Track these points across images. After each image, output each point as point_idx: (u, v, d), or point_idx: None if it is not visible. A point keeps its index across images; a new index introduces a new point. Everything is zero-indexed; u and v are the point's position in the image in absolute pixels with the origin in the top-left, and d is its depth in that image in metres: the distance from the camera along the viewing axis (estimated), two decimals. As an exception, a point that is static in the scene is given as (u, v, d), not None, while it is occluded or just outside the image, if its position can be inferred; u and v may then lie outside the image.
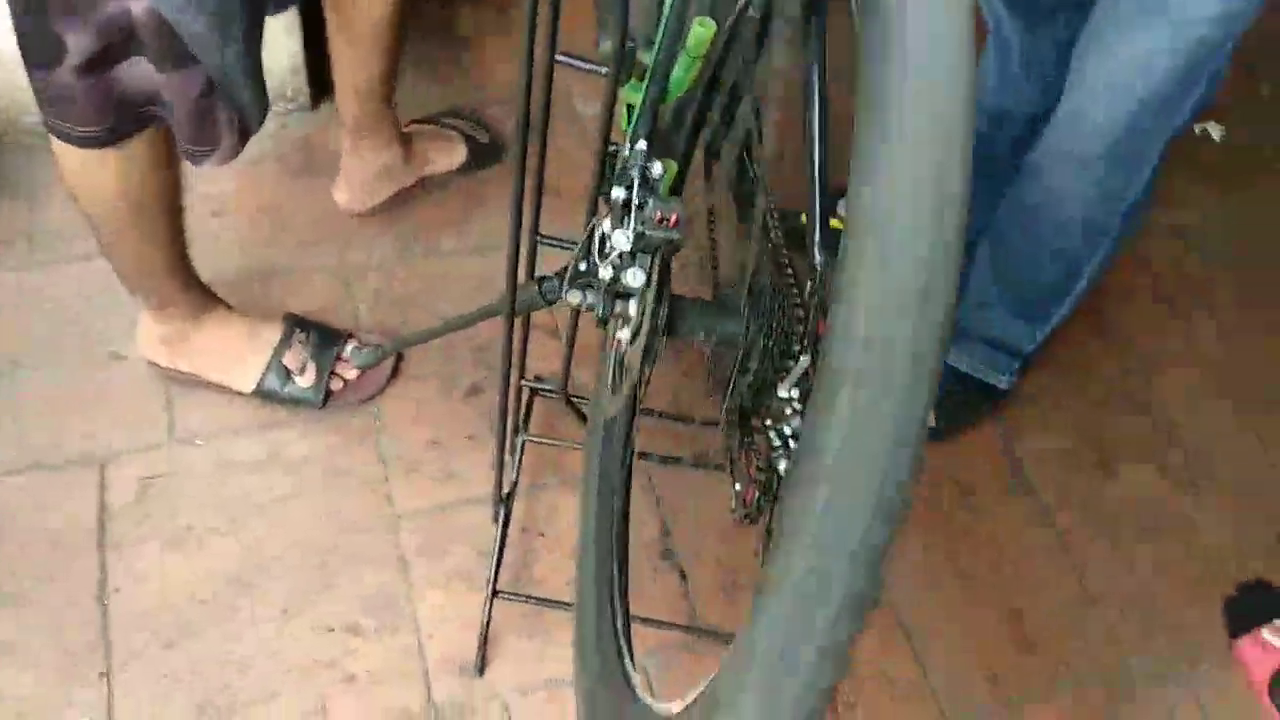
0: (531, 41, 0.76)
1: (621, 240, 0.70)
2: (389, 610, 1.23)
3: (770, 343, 0.76)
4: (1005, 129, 1.42)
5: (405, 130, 1.55)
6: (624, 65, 0.81)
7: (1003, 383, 1.50)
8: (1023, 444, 1.52)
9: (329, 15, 1.35)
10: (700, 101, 0.88)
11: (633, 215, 0.70)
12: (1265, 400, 1.62)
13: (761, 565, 1.23)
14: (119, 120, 1.03)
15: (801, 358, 0.73)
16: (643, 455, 1.21)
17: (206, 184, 1.52)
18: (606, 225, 0.73)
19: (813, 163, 0.74)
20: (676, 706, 0.69)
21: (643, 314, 0.72)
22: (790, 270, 0.75)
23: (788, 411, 0.77)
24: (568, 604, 1.20)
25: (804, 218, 0.75)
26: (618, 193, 0.74)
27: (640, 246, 0.71)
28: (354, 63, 1.37)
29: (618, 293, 0.75)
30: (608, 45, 1.00)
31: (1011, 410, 1.54)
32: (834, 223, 0.79)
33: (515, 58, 1.78)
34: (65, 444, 1.30)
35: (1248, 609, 1.37)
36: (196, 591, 1.21)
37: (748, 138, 0.85)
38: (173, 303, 1.29)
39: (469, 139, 1.63)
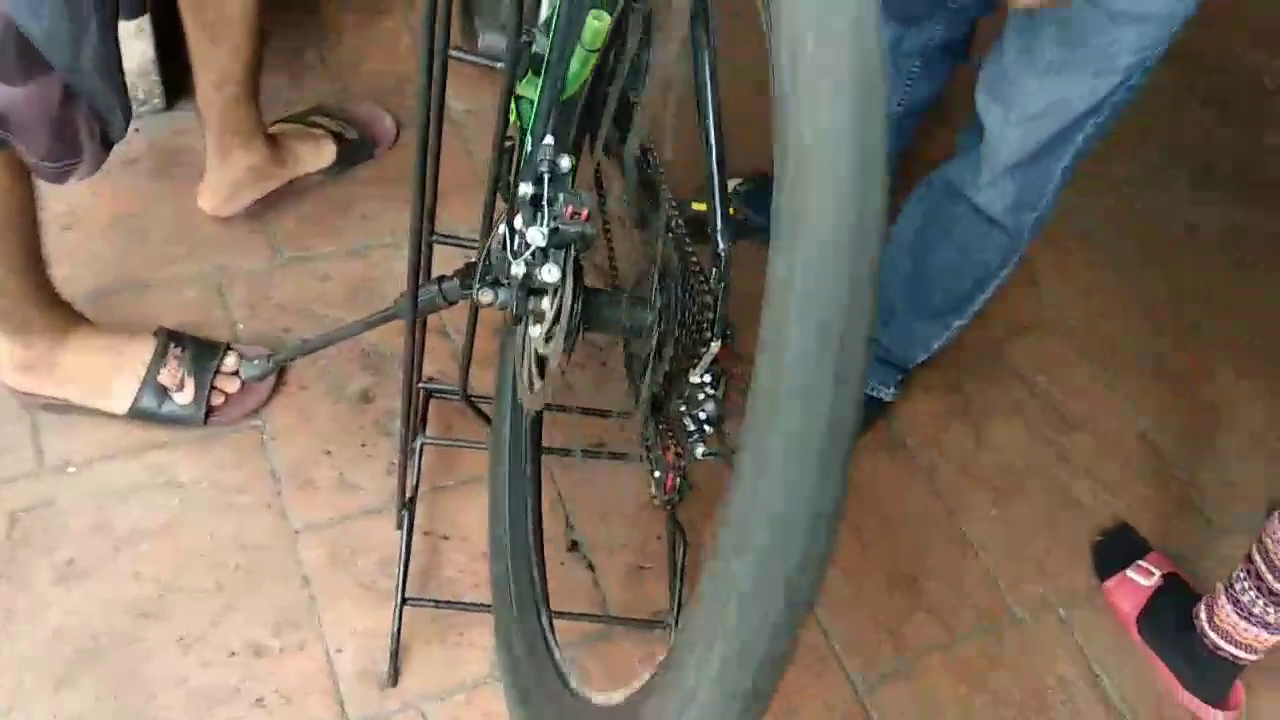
0: (431, 39, 0.74)
1: (536, 236, 0.70)
2: (294, 628, 1.19)
3: (681, 331, 0.78)
4: None
5: (271, 131, 1.49)
6: (520, 60, 0.80)
7: (888, 395, 1.54)
8: (899, 409, 1.58)
9: (185, 13, 1.29)
10: (590, 96, 0.88)
11: (545, 211, 0.70)
12: (1119, 356, 1.74)
13: (673, 550, 1.25)
14: None
15: (712, 343, 0.75)
16: (553, 451, 1.21)
17: (55, 197, 1.42)
18: (518, 221, 0.72)
19: (709, 149, 0.75)
20: (619, 696, 0.70)
21: (559, 309, 0.72)
22: (695, 259, 0.76)
23: (700, 397, 0.79)
24: (478, 605, 1.20)
25: (701, 206, 0.77)
26: (525, 188, 0.74)
27: (555, 242, 0.71)
28: (214, 59, 1.31)
29: (530, 289, 0.75)
30: (490, 39, 0.99)
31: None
32: (730, 211, 0.81)
33: (380, 52, 1.76)
34: (-81, 482, 1.21)
35: (1113, 552, 1.47)
36: (88, 626, 1.14)
37: (643, 131, 0.86)
38: (33, 326, 1.21)
39: (337, 137, 1.58)
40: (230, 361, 1.33)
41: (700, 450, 0.79)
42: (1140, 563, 1.44)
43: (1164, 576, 1.43)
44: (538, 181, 0.73)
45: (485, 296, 0.77)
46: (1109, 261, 1.88)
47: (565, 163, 0.73)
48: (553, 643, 0.89)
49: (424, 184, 0.83)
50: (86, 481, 1.25)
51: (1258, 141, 2.22)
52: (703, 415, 0.80)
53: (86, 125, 0.97)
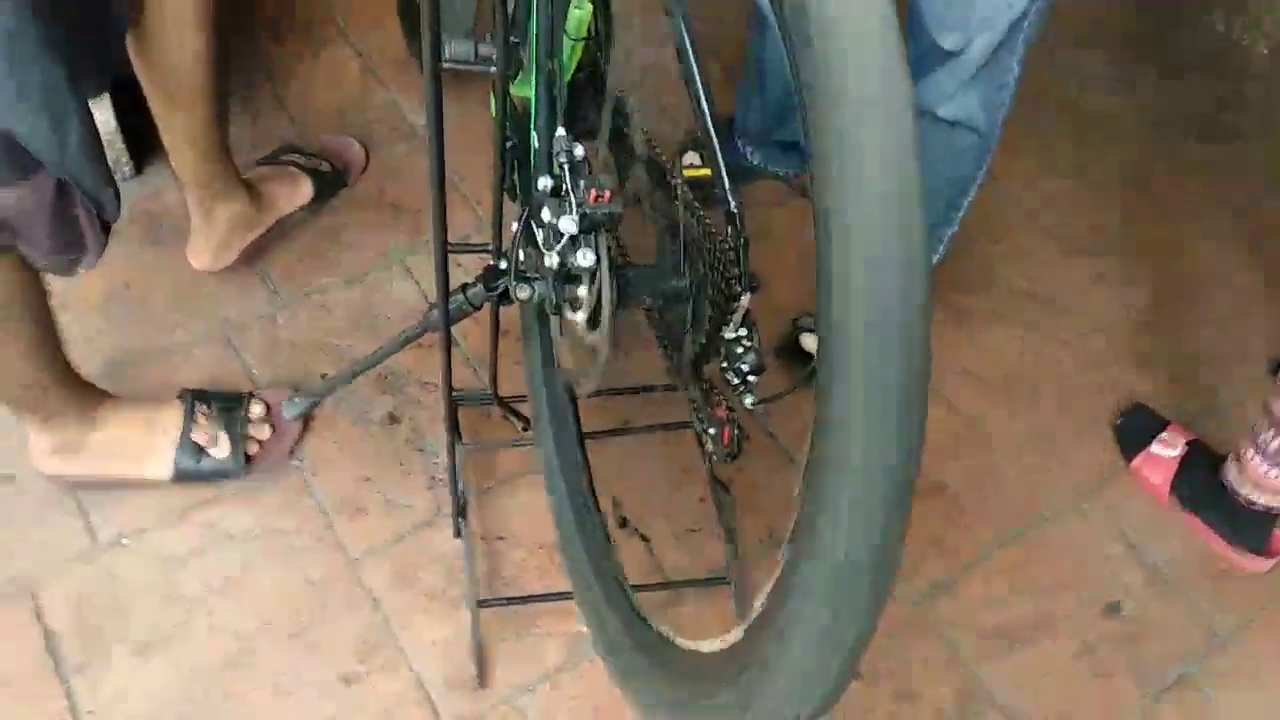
0: (430, 54, 0.76)
1: (569, 225, 0.73)
2: (376, 651, 1.22)
3: (712, 290, 0.81)
4: None
5: (246, 178, 1.50)
6: (510, 60, 0.83)
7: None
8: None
9: (142, 77, 1.29)
10: (584, 80, 0.90)
11: (572, 198, 0.73)
12: (1095, 242, 1.79)
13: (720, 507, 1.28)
14: None
15: (742, 297, 0.78)
16: (603, 434, 1.24)
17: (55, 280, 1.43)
18: (544, 214, 0.75)
19: (701, 114, 0.78)
20: (719, 643, 0.74)
21: (605, 294, 0.75)
22: (709, 220, 0.79)
23: (739, 350, 0.82)
24: (551, 595, 1.23)
25: (694, 172, 0.80)
26: (544, 182, 0.77)
27: (585, 227, 0.74)
28: (179, 121, 1.32)
29: (566, 277, 0.78)
30: (460, 47, 1.02)
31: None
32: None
33: (331, 81, 1.77)
34: (-19, 581, 1.22)
35: (1134, 431, 1.52)
36: (180, 694, 1.16)
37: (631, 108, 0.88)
38: (62, 411, 1.23)
39: (311, 172, 1.59)
40: (256, 409, 1.35)
41: (749, 400, 0.83)
42: (1161, 436, 1.49)
43: (1187, 445, 1.47)
44: (556, 174, 0.75)
45: (523, 292, 0.80)
46: (1065, 152, 1.92)
47: (579, 151, 0.76)
48: (638, 611, 0.93)
49: (442, 201, 0.86)
50: (144, 551, 1.27)
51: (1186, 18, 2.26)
52: (745, 367, 0.83)
53: (84, 212, 0.98)
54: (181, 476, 1.30)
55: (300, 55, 1.81)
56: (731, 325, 0.80)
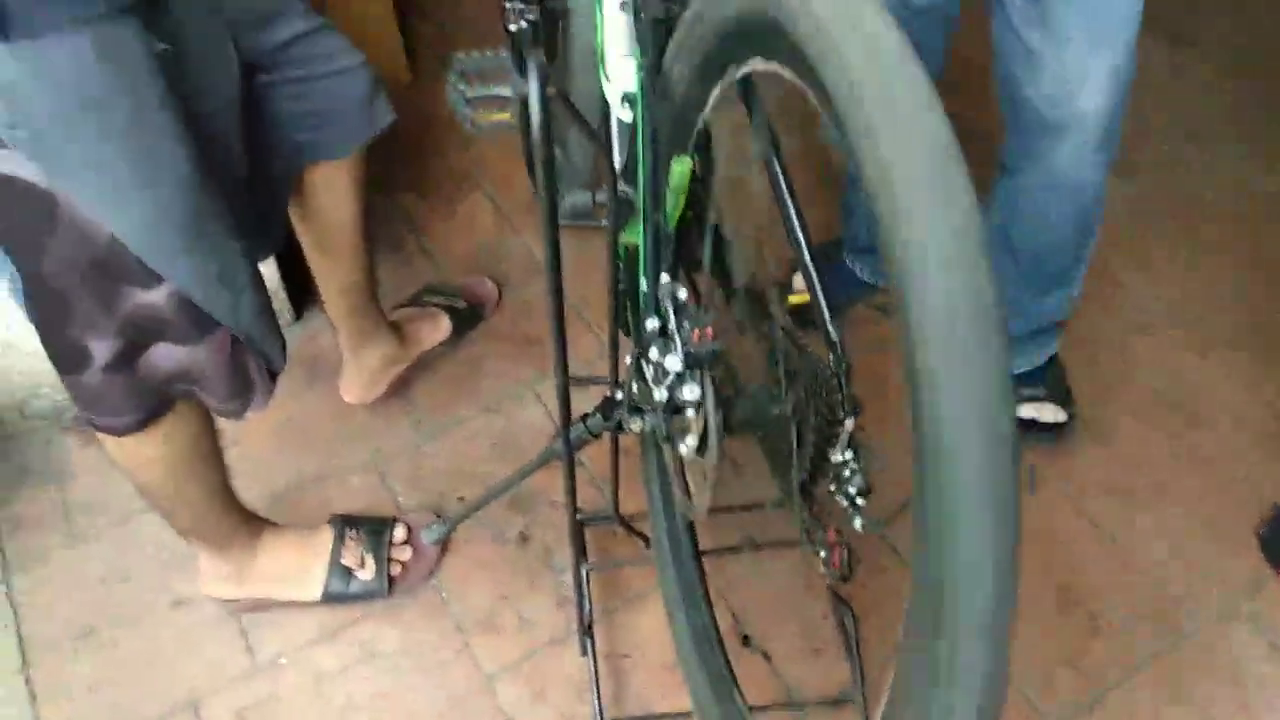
0: (552, 210, 0.85)
1: (674, 363, 0.80)
2: (511, 767, 1.27)
3: (816, 417, 0.86)
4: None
5: (392, 319, 1.64)
6: (622, 213, 0.92)
7: (1056, 345, 1.61)
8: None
9: (301, 236, 1.45)
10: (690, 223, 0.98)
11: (678, 339, 0.80)
12: (1224, 336, 1.74)
13: (843, 626, 1.29)
14: (151, 404, 1.09)
15: (846, 421, 0.83)
16: (717, 551, 1.28)
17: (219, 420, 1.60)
18: (653, 353, 0.82)
19: (798, 247, 0.84)
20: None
21: (706, 422, 0.81)
22: (809, 347, 0.85)
23: (846, 474, 0.86)
24: (674, 715, 1.26)
25: (797, 298, 0.85)
26: (651, 323, 0.84)
27: (690, 364, 0.80)
28: (334, 270, 1.47)
29: (675, 409, 0.84)
30: (578, 199, 1.12)
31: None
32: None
33: (466, 229, 1.92)
34: (154, 698, 1.34)
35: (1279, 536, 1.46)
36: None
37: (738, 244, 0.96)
38: (229, 541, 1.35)
39: (449, 310, 1.73)
40: (399, 533, 1.45)
41: (859, 523, 0.86)
42: (1311, 542, 1.43)
43: (1338, 551, 1.41)
44: (662, 315, 0.83)
45: (635, 424, 0.87)
46: (1182, 241, 1.89)
47: (682, 293, 0.83)
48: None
49: (561, 340, 0.94)
50: (299, 669, 1.37)
51: None
52: (852, 490, 0.87)
53: (255, 364, 1.11)
54: (330, 598, 1.40)
55: (440, 207, 1.98)
56: (837, 449, 0.85)
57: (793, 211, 0.83)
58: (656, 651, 1.37)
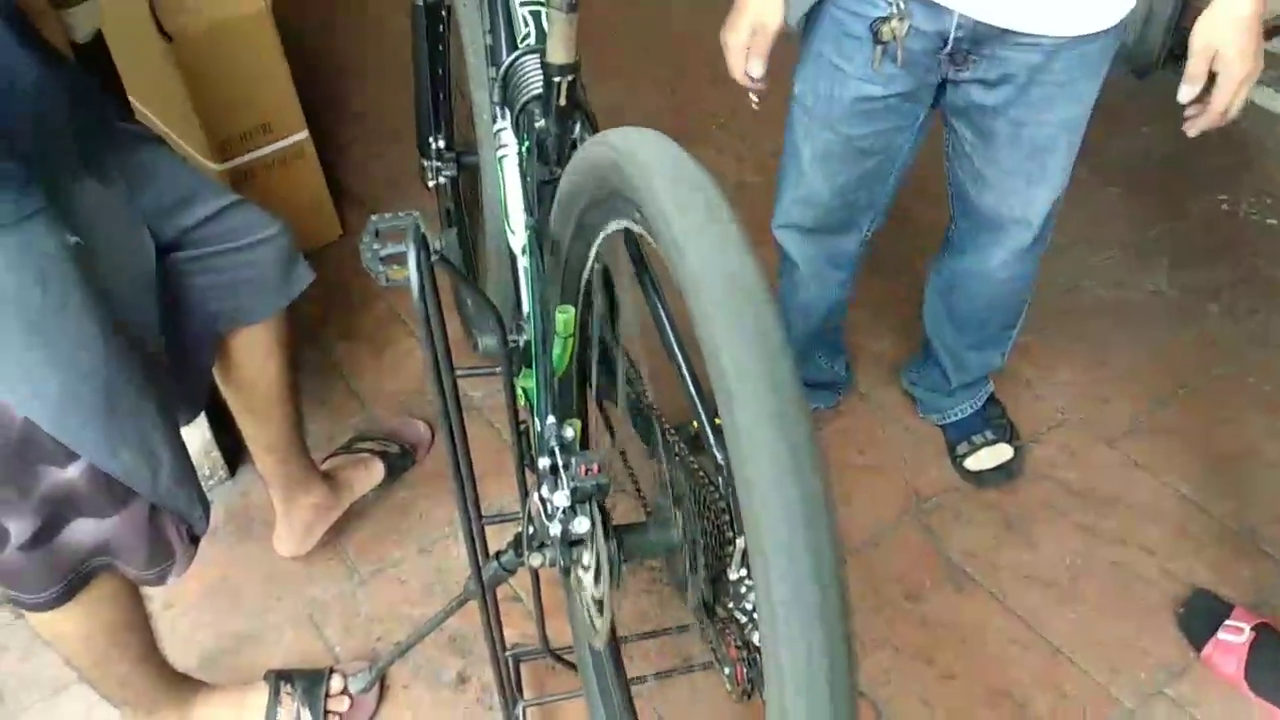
0: (436, 367, 0.91)
1: (561, 499, 0.84)
2: None
3: (706, 537, 0.90)
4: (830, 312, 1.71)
5: (324, 469, 1.67)
6: (514, 360, 0.98)
7: (991, 386, 1.82)
8: (952, 540, 1.66)
9: (228, 396, 1.48)
10: (580, 362, 1.04)
11: (563, 476, 0.85)
12: (1129, 428, 1.82)
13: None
14: (70, 579, 1.11)
15: (738, 540, 0.87)
16: (637, 680, 1.30)
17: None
18: (544, 490, 0.86)
19: (682, 376, 0.90)
20: None
21: (598, 553, 0.85)
22: (701, 471, 0.90)
23: (743, 590, 0.90)
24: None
25: (694, 424, 0.91)
26: (543, 462, 0.89)
27: (578, 499, 0.85)
28: (261, 428, 1.50)
29: (570, 542, 0.88)
30: (487, 341, 1.18)
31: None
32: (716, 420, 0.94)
33: (395, 373, 1.97)
34: None
35: (1199, 620, 1.51)
36: None
37: (629, 378, 1.02)
38: (158, 705, 1.34)
39: (381, 455, 1.76)
40: (335, 683, 1.44)
41: (757, 637, 0.90)
42: (1228, 622, 1.47)
43: (1254, 629, 1.45)
44: (551, 454, 0.87)
45: (535, 560, 0.91)
46: (1093, 346, 1.99)
47: (569, 432, 0.89)
48: None
49: (462, 485, 0.98)
50: (236, 834, 1.34)
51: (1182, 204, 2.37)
52: (749, 606, 0.91)
53: (174, 529, 1.14)
54: (269, 756, 1.39)
55: (369, 354, 2.03)
56: (733, 567, 0.89)
57: (678, 351, 0.89)
58: (600, 784, 1.37)
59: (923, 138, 1.43)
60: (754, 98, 1.39)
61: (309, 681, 1.44)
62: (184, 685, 1.38)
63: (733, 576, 0.90)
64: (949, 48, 1.25)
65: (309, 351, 2.00)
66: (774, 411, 0.57)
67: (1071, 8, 1.21)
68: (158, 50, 1.85)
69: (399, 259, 1.01)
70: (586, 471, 0.85)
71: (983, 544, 1.67)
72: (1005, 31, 1.22)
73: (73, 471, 1.02)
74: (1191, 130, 1.23)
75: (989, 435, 1.77)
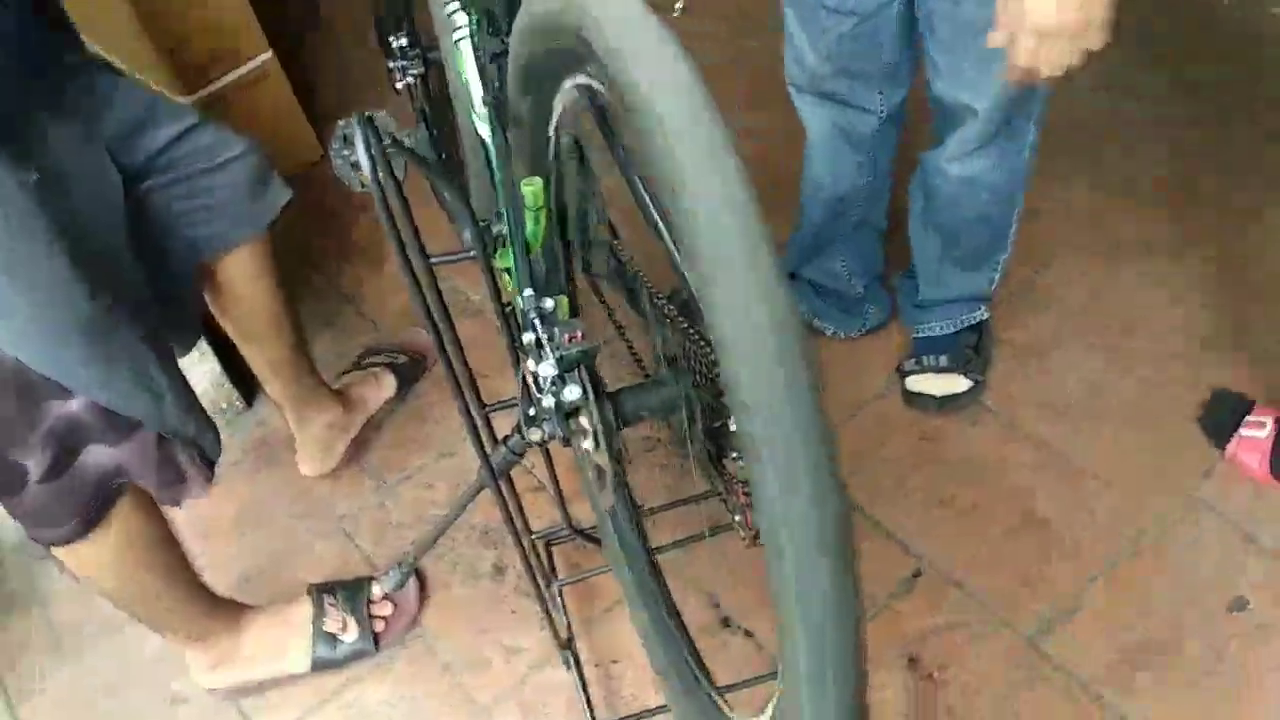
0: (403, 253, 0.90)
1: (548, 369, 0.83)
2: (517, 791, 1.30)
3: (703, 391, 0.90)
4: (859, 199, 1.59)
5: (337, 387, 1.68)
6: (488, 243, 0.96)
7: (984, 313, 1.65)
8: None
9: (225, 325, 1.49)
10: (560, 235, 1.03)
11: (547, 348, 0.84)
12: (1143, 247, 1.79)
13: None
14: (92, 505, 1.12)
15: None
16: (660, 549, 1.31)
17: (185, 514, 1.63)
18: (530, 364, 0.86)
19: (662, 239, 0.88)
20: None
21: (594, 418, 0.85)
22: (693, 330, 0.89)
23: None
24: (662, 708, 1.29)
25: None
26: (528, 336, 0.88)
27: (565, 368, 0.84)
28: (262, 351, 1.51)
29: (567, 413, 0.88)
30: (467, 232, 1.16)
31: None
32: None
33: (397, 288, 1.96)
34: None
35: (1221, 419, 1.50)
36: None
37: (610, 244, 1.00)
38: (207, 631, 1.38)
39: (391, 366, 1.77)
40: (376, 590, 1.48)
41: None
42: (1250, 418, 1.46)
43: (1277, 420, 1.44)
44: (533, 327, 0.87)
45: (535, 435, 0.90)
46: (1099, 164, 1.94)
47: (549, 304, 0.87)
48: (730, 715, 0.98)
49: (453, 370, 0.98)
50: (300, 739, 1.40)
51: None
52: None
53: (185, 454, 1.15)
54: (320, 666, 1.43)
55: (368, 268, 2.02)
56: (731, 421, 0.89)
57: (656, 217, 0.87)
58: (641, 653, 1.40)
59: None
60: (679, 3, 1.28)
61: (350, 590, 1.48)
62: (229, 608, 1.42)
63: (734, 428, 0.90)
64: None
65: (311, 275, 1.99)
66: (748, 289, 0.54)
67: None
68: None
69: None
70: (570, 339, 0.84)
71: (1000, 376, 1.65)
72: None
73: (75, 405, 1.03)
74: (1006, 76, 1.05)
75: (943, 361, 1.62)
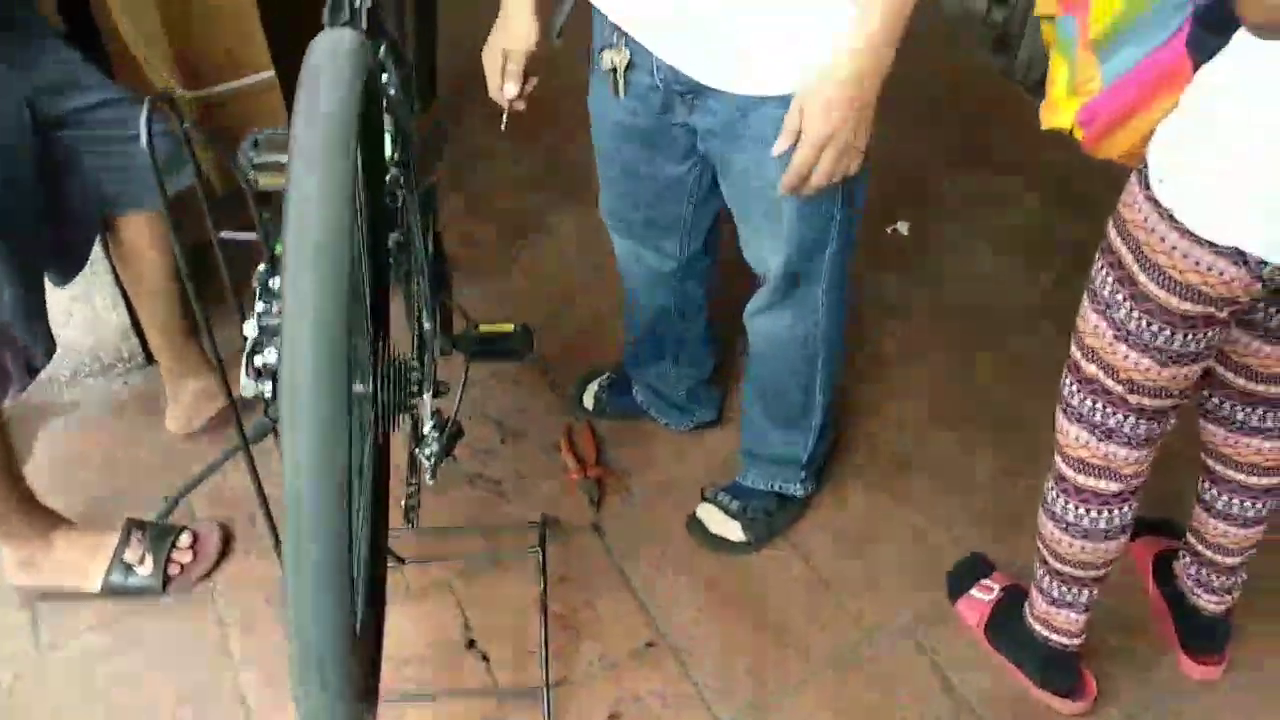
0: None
1: (250, 329, 1.02)
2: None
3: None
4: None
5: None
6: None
7: (798, 490, 1.70)
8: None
9: (122, 276, 1.70)
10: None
11: (256, 316, 1.03)
12: (966, 416, 1.92)
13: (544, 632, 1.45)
14: None
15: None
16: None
17: (60, 439, 1.84)
18: (245, 328, 1.04)
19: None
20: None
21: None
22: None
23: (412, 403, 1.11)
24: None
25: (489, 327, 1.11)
26: (259, 305, 1.06)
27: (268, 334, 1.02)
28: (148, 308, 1.72)
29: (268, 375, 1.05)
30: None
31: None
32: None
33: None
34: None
35: (962, 576, 1.61)
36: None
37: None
38: (17, 532, 1.55)
39: (279, 359, 1.96)
40: (184, 539, 1.65)
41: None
42: (983, 581, 1.58)
43: (1004, 589, 1.56)
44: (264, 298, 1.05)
45: (249, 390, 1.08)
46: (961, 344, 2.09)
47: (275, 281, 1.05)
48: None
49: (214, 344, 1.17)
50: (70, 650, 1.56)
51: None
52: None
53: (10, 355, 1.34)
54: (109, 589, 1.59)
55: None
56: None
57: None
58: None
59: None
60: (505, 116, 1.42)
61: (160, 531, 1.65)
62: (47, 517, 1.59)
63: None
64: (660, 87, 1.29)
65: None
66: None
67: (740, 68, 1.20)
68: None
69: (270, 168, 1.17)
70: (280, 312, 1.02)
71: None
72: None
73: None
74: (783, 188, 1.20)
75: (733, 507, 1.69)
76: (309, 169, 0.78)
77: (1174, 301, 1.07)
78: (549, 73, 1.41)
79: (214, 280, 1.18)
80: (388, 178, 1.15)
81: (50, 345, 1.40)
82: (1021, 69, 2.70)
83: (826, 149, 1.15)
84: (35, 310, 1.36)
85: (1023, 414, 1.91)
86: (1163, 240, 1.04)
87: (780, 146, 1.18)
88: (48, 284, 1.49)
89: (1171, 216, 1.03)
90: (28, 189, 1.35)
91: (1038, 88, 1.24)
